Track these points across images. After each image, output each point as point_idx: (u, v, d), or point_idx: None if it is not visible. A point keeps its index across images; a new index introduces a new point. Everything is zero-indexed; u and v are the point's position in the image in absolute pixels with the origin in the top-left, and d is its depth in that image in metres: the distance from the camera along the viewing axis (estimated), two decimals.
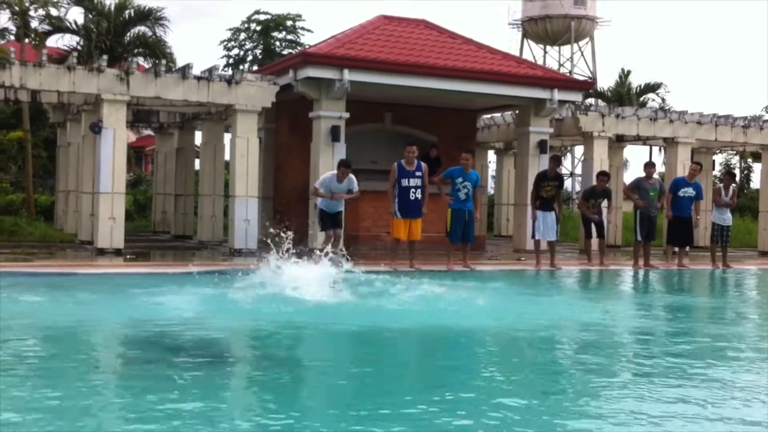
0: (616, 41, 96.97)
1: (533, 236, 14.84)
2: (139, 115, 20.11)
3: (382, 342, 6.92)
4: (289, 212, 18.31)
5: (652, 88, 44.39)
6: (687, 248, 15.86)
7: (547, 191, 14.51)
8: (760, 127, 20.95)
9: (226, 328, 7.20)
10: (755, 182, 35.24)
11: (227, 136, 17.91)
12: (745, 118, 20.91)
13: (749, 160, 36.91)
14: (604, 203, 15.71)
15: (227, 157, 17.88)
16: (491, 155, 26.54)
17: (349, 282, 9.10)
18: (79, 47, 23.95)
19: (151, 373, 5.28)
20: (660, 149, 32.92)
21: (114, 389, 5.00)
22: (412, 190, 13.47)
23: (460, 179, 13.21)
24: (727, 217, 15.95)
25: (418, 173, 13.51)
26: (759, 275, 16.28)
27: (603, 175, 15.31)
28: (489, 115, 22.01)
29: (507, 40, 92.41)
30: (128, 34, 25.15)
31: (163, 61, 18.55)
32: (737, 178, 32.86)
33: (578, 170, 44.29)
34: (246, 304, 8.00)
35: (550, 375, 5.73)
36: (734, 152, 33.96)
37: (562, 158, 29.71)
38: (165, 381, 5.04)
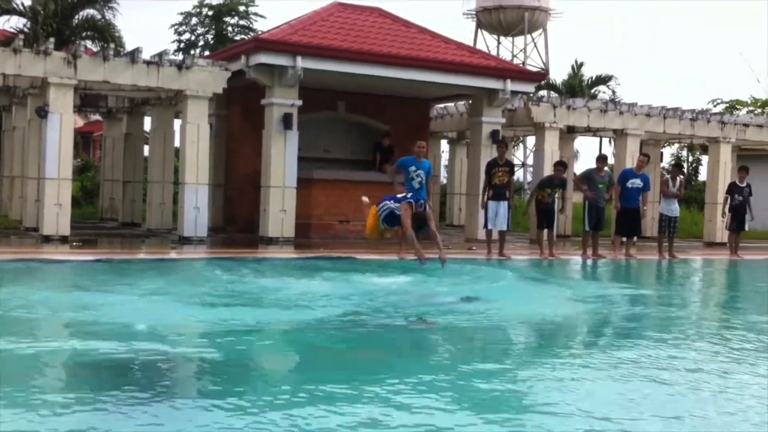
0: (569, 33, 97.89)
1: (485, 226, 14.92)
2: (87, 99, 19.74)
3: None
4: (240, 200, 18.16)
5: (603, 80, 44.90)
6: (634, 238, 16.10)
7: (500, 177, 14.60)
8: (708, 120, 21.32)
9: None
10: (703, 174, 35.89)
11: (177, 122, 17.67)
12: (693, 111, 21.26)
13: (697, 152, 37.57)
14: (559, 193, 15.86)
15: (177, 143, 17.63)
16: (444, 145, 26.61)
17: None
18: (25, 29, 23.36)
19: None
20: (610, 141, 33.30)
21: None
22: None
23: (413, 168, 13.15)
24: (674, 208, 16.23)
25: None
26: (703, 265, 16.63)
27: (560, 165, 15.44)
28: (442, 105, 22.05)
29: (461, 30, 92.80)
30: (76, 17, 24.63)
31: (112, 45, 18.20)
32: (685, 170, 33.51)
33: (530, 161, 44.64)
34: None
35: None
36: (683, 145, 34.56)
37: (512, 146, 29.88)
38: None
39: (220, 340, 6.31)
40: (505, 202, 14.63)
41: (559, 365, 5.77)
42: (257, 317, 7.44)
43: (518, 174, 48.62)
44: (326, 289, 9.25)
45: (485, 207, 14.78)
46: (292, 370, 5.91)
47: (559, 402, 4.72)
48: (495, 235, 14.87)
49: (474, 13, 56.30)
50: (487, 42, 57.22)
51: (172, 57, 16.16)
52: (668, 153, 35.83)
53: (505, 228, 14.75)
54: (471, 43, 49.29)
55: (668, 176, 16.87)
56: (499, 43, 58.07)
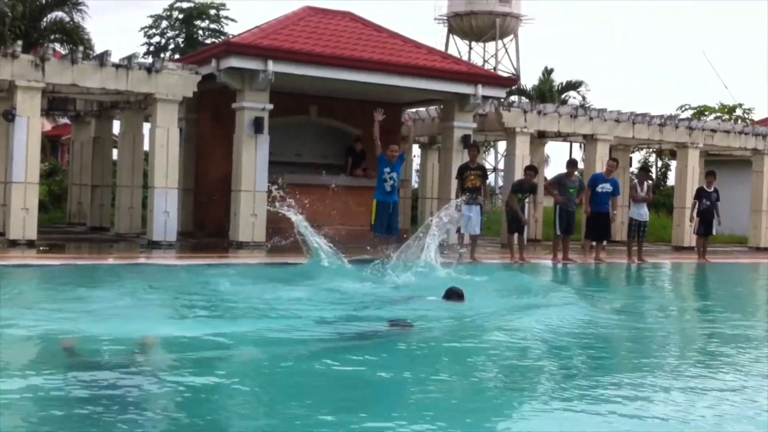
0: (540, 39, 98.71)
1: (458, 230, 14.95)
2: (55, 102, 19.51)
3: None
4: (210, 204, 18.04)
5: (573, 86, 45.30)
6: (604, 242, 16.23)
7: (472, 181, 14.65)
8: (676, 126, 21.54)
9: None
10: (671, 179, 36.26)
11: (147, 126, 17.50)
12: (661, 117, 21.46)
13: (666, 158, 37.97)
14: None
15: (146, 147, 17.48)
16: (416, 149, 26.63)
17: None
18: None
19: None
20: (580, 146, 33.56)
21: None
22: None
23: (387, 169, 13.12)
24: (643, 213, 16.38)
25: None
26: (671, 269, 16.79)
27: (531, 170, 15.51)
28: (414, 109, 22.07)
29: (433, 35, 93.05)
30: (45, 19, 24.44)
31: (81, 48, 18.07)
32: (654, 176, 33.87)
33: (501, 165, 44.84)
34: None
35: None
36: (651, 150, 34.93)
37: (483, 151, 30.00)
38: None
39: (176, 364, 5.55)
40: (478, 207, 14.67)
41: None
42: (223, 330, 6.80)
43: (490, 178, 48.86)
44: (296, 295, 9.17)
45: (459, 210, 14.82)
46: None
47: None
48: (467, 239, 14.94)
49: (446, 18, 56.54)
50: (458, 47, 57.54)
51: (142, 60, 16.06)
52: (637, 158, 36.26)
53: (477, 232, 14.80)
54: (443, 49, 49.50)
55: (636, 181, 17.03)
56: (470, 48, 58.38)
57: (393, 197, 13.33)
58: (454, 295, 8.19)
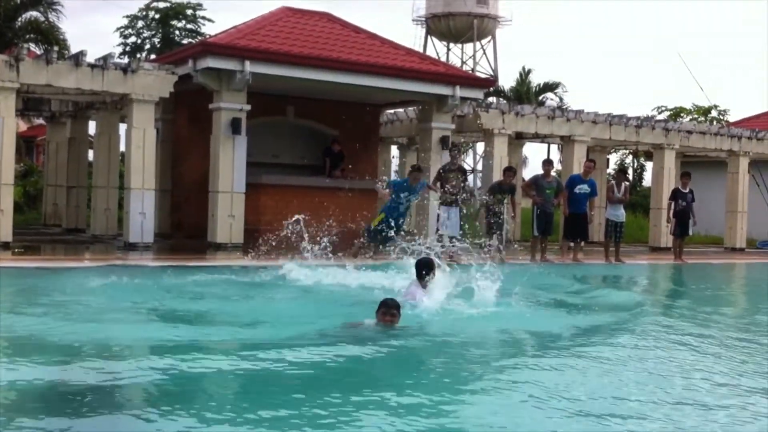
0: (517, 41, 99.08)
1: (437, 230, 14.93)
2: (30, 103, 19.34)
3: None
4: (187, 205, 17.93)
5: (550, 87, 45.52)
6: (582, 243, 16.29)
7: (451, 181, 14.65)
8: (652, 127, 21.68)
9: None
10: (647, 180, 36.51)
11: (123, 127, 17.36)
12: (638, 118, 21.60)
13: (642, 159, 38.23)
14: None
15: (123, 148, 17.34)
16: (394, 150, 26.64)
17: None
18: None
19: None
20: (557, 147, 33.73)
21: None
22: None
23: (405, 194, 13.53)
24: (620, 214, 16.45)
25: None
26: (648, 269, 16.88)
27: (509, 170, 15.53)
28: (392, 110, 22.07)
29: (411, 37, 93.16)
30: (20, 19, 24.18)
31: (56, 48, 17.88)
32: (630, 177, 34.08)
33: (479, 166, 44.96)
34: None
35: None
36: (628, 151, 35.16)
37: (462, 152, 30.02)
38: None
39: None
40: (457, 209, 14.68)
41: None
42: (196, 336, 6.61)
43: (468, 179, 48.95)
44: (272, 298, 9.09)
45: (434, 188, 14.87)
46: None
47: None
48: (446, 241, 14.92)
49: (424, 19, 56.63)
50: (436, 48, 57.67)
51: (118, 60, 15.91)
52: (614, 159, 36.49)
53: (456, 235, 14.79)
54: (421, 50, 49.62)
55: (613, 182, 17.12)
56: (448, 49, 58.51)
57: (403, 215, 13.69)
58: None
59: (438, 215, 14.85)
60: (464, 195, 14.89)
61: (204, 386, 5.26)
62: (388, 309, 6.96)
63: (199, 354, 5.91)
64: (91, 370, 5.21)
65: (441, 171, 15.10)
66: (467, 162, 50.32)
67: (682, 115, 38.28)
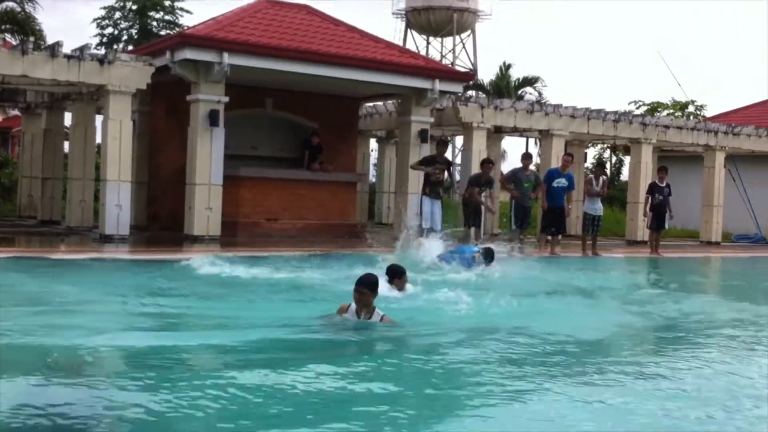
0: (497, 35, 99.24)
1: (420, 224, 14.87)
2: (5, 94, 19.12)
3: None
4: (164, 197, 17.82)
5: (530, 81, 45.65)
6: (559, 237, 16.36)
7: (437, 175, 14.69)
8: (630, 122, 21.80)
9: None
10: (625, 174, 36.73)
11: (99, 118, 17.21)
12: (615, 113, 21.70)
13: (620, 153, 38.43)
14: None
15: (99, 139, 17.19)
16: (373, 143, 26.61)
17: None
18: None
19: None
20: (536, 141, 33.86)
21: None
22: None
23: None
24: (597, 207, 16.55)
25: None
26: (624, 263, 16.98)
27: (488, 162, 15.55)
28: (371, 104, 22.03)
29: (391, 30, 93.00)
30: None
31: (32, 38, 17.67)
32: (608, 171, 34.26)
33: (458, 160, 45.04)
34: None
35: None
36: (606, 145, 35.34)
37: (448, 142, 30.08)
38: None
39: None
40: (439, 201, 14.71)
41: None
42: (168, 343, 6.19)
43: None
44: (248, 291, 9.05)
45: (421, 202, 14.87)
46: None
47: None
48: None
49: (403, 13, 56.59)
50: (416, 42, 57.67)
51: (94, 51, 15.74)
52: (592, 153, 36.65)
53: (438, 230, 14.78)
54: (400, 43, 49.57)
55: (591, 176, 17.19)
56: (428, 43, 58.54)
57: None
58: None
59: (421, 209, 14.83)
60: (447, 182, 15.01)
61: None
62: (357, 287, 6.77)
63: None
64: None
65: (428, 161, 15.16)
66: (446, 155, 50.36)
67: (659, 109, 38.51)
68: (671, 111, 37.97)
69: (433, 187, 14.63)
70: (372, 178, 28.08)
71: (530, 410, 4.68)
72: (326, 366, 5.37)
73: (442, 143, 15.77)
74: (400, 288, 8.29)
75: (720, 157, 23.36)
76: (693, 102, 38.16)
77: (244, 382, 4.88)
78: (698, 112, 38.10)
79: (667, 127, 22.62)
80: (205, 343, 6.28)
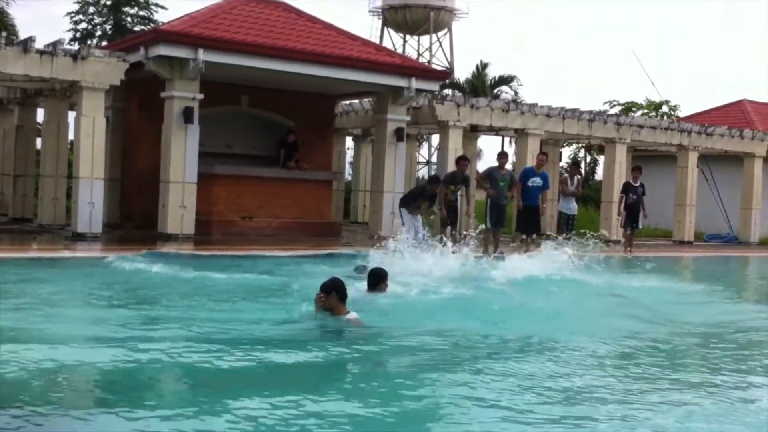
0: (473, 33, 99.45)
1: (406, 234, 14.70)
2: None
3: None
4: (138, 195, 17.66)
5: (505, 80, 45.84)
6: (534, 236, 16.40)
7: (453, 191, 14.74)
8: (604, 121, 21.92)
9: None
10: (599, 174, 36.98)
11: (72, 115, 17.02)
12: (590, 112, 21.82)
13: (594, 152, 38.68)
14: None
15: (72, 136, 17.00)
16: (349, 141, 26.58)
17: None
18: None
19: None
20: (511, 140, 33.97)
21: None
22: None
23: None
24: (572, 207, 16.63)
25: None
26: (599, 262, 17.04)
27: (464, 159, 15.51)
28: (347, 102, 21.98)
29: (367, 28, 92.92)
30: None
31: (4, 33, 17.38)
32: (583, 170, 34.50)
33: (434, 159, 45.08)
34: None
35: None
36: (580, 145, 35.55)
37: (417, 144, 29.90)
38: None
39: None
40: (419, 216, 14.66)
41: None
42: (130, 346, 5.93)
43: (423, 172, 49.14)
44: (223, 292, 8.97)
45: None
46: None
47: None
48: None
49: (380, 10, 56.54)
50: (393, 40, 57.63)
51: (68, 47, 15.55)
52: (567, 153, 36.88)
53: (420, 234, 14.67)
54: (377, 41, 49.50)
55: (566, 175, 17.26)
56: (405, 41, 58.53)
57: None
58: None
59: (402, 220, 14.66)
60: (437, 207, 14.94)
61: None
62: (320, 290, 6.79)
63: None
64: None
65: (449, 180, 15.13)
66: (421, 154, 50.43)
67: (633, 109, 38.82)
68: (645, 111, 38.30)
69: (419, 204, 14.52)
70: (348, 177, 28.05)
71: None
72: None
73: (465, 161, 15.56)
74: (382, 291, 8.15)
75: (693, 157, 23.57)
76: (667, 102, 38.54)
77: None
78: (672, 112, 38.46)
79: (641, 126, 22.78)
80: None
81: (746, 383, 5.73)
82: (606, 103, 40.60)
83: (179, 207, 15.54)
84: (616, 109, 38.27)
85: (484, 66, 45.24)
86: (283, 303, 7.99)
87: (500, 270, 10.12)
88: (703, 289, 11.65)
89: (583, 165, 36.64)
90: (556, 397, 5.03)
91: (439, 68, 42.57)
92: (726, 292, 11.68)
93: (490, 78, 44.99)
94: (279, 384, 5.15)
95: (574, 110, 21.38)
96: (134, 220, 17.72)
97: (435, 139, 40.60)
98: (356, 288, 7.92)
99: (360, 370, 5.78)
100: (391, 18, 56.17)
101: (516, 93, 45.24)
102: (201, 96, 15.72)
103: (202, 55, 15.17)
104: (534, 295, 8.74)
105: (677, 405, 4.97)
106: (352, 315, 6.83)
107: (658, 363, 6.25)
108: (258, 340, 6.37)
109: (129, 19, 31.65)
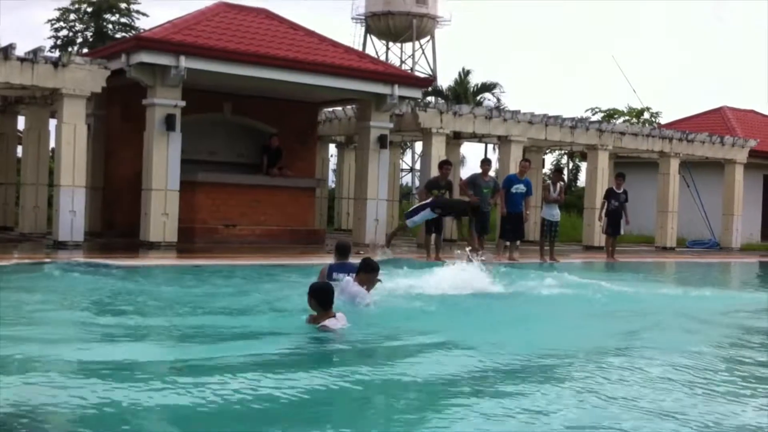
0: (456, 41, 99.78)
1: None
2: None
3: None
4: (120, 203, 17.55)
5: (488, 87, 45.99)
6: (518, 242, 16.45)
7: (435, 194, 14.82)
8: (587, 128, 22.03)
9: None
10: (582, 181, 37.17)
11: (53, 122, 16.91)
12: (573, 119, 21.91)
13: (577, 159, 38.86)
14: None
15: (53, 144, 16.89)
16: (332, 149, 26.55)
17: None
18: None
19: None
20: (494, 147, 34.07)
21: None
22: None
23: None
24: (555, 213, 16.66)
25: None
26: (582, 268, 17.10)
27: (447, 164, 15.51)
28: (330, 109, 21.97)
29: (350, 35, 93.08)
30: None
31: None
32: (565, 177, 34.64)
33: (418, 166, 45.13)
34: None
35: None
36: (563, 151, 35.72)
37: (400, 151, 29.98)
38: None
39: None
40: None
41: None
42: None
43: (407, 179, 49.17)
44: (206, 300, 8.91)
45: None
46: None
47: None
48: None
49: (363, 18, 56.66)
50: (376, 47, 57.77)
51: (48, 54, 15.46)
52: (549, 159, 37.04)
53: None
54: (360, 48, 49.59)
55: (549, 182, 17.31)
56: (388, 48, 58.67)
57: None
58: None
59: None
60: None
61: None
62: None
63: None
64: None
65: (430, 186, 15.21)
66: (405, 161, 50.46)
67: (615, 116, 39.05)
68: (627, 118, 38.54)
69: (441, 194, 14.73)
70: (331, 184, 28.02)
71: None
72: None
73: (448, 165, 15.61)
74: (370, 284, 7.98)
75: (674, 164, 23.71)
76: (648, 109, 38.80)
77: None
78: (653, 119, 38.73)
79: (623, 133, 22.89)
80: None
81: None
82: (588, 110, 40.84)
83: (161, 215, 15.45)
84: (598, 116, 38.52)
85: (467, 73, 45.38)
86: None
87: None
88: None
89: (565, 172, 36.79)
90: None
91: (422, 75, 42.67)
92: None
93: (473, 85, 45.13)
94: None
95: (556, 117, 21.47)
96: (116, 228, 17.60)
97: (418, 146, 40.66)
98: (348, 280, 7.92)
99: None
100: (374, 25, 56.30)
101: (499, 100, 45.43)
102: (183, 103, 15.66)
103: (184, 62, 15.12)
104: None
105: None
106: (331, 321, 6.78)
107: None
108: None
109: (110, 26, 31.53)
